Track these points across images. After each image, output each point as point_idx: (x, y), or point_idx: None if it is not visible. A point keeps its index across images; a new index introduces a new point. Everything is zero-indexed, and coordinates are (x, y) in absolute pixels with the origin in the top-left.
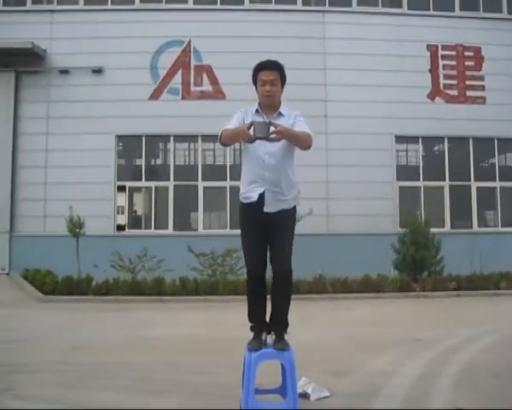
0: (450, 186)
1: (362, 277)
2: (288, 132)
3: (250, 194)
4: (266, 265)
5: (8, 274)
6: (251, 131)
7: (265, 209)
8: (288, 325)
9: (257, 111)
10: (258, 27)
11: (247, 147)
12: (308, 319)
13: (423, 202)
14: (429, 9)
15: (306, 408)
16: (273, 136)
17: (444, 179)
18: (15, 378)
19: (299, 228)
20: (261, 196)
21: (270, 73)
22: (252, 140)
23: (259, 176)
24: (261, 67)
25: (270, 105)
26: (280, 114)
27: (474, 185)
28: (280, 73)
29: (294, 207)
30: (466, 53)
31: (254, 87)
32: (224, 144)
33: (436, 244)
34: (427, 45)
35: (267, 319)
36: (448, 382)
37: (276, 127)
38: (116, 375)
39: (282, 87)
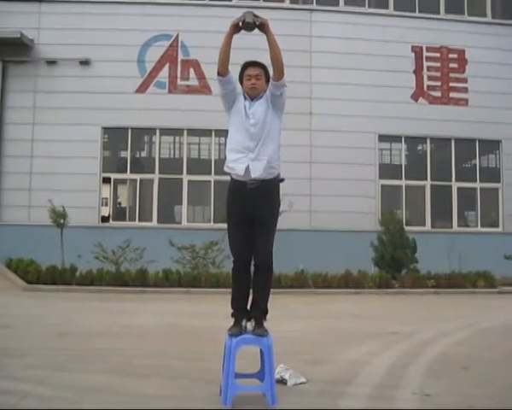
0: (432, 186)
1: (342, 273)
2: (270, 31)
3: (235, 165)
4: (251, 255)
5: None
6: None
7: (252, 175)
8: (267, 312)
9: (244, 97)
10: None
11: (233, 119)
12: (288, 313)
13: (405, 200)
14: (415, 11)
15: (283, 392)
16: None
17: (425, 179)
18: (4, 361)
19: (282, 223)
20: (246, 168)
21: (255, 69)
22: (241, 26)
23: (245, 146)
24: (247, 64)
25: (254, 98)
26: (261, 96)
27: (455, 185)
28: (264, 71)
29: (278, 179)
30: (450, 55)
31: (241, 85)
32: (221, 69)
33: (412, 244)
34: (412, 46)
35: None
36: (419, 371)
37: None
38: (100, 360)
39: (267, 84)
